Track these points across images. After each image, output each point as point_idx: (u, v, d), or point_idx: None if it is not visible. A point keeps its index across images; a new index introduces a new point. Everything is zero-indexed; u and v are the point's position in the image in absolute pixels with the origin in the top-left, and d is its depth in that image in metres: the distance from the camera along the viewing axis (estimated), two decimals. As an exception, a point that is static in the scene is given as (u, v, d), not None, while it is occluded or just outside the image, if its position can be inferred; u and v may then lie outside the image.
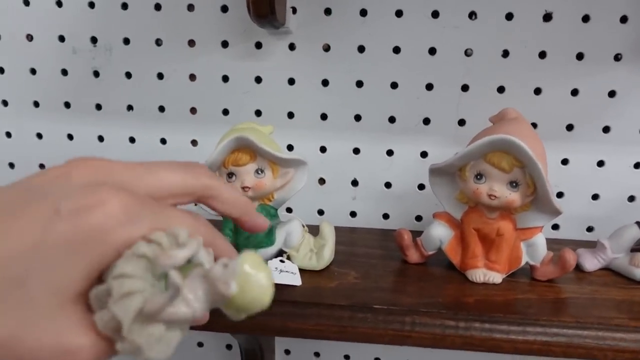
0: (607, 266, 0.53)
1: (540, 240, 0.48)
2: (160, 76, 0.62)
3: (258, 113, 0.62)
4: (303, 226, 0.51)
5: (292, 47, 0.60)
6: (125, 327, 0.22)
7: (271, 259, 0.49)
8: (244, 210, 0.31)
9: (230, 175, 0.48)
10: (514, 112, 0.49)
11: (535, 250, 0.48)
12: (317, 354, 0.71)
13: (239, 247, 0.47)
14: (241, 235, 0.49)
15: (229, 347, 0.72)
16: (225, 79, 0.61)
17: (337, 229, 0.57)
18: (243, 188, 0.47)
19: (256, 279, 0.23)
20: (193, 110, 0.63)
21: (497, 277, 0.48)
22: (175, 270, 0.23)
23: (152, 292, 0.23)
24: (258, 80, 0.61)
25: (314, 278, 0.48)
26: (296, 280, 0.47)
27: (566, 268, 0.47)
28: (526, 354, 0.42)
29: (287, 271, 0.48)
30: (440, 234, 0.50)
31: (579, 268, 0.52)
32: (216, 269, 0.23)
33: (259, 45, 0.60)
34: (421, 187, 0.63)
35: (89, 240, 0.22)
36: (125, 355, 0.24)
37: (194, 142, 0.64)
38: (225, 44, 0.60)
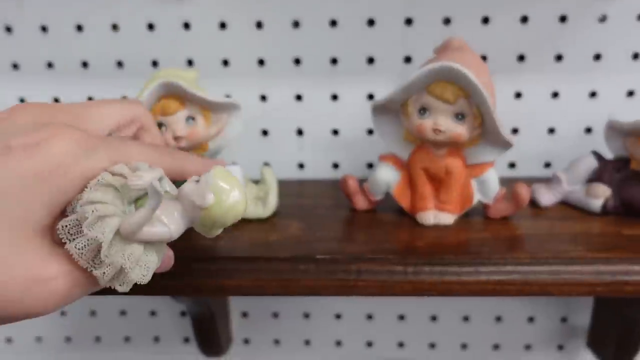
0: (563, 200, 0.50)
1: (491, 176, 0.45)
2: (79, 28, 0.56)
3: (190, 62, 0.57)
4: None
5: (220, -14, 0.54)
6: (105, 247, 0.22)
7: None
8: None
9: (159, 125, 0.43)
10: (458, 41, 0.45)
11: (487, 187, 0.45)
12: (275, 315, 0.68)
13: None
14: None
15: (183, 314, 0.68)
16: (151, 27, 0.56)
17: (285, 182, 0.54)
18: (175, 139, 0.43)
19: (229, 189, 0.24)
20: (120, 64, 0.58)
21: (448, 218, 0.46)
22: (155, 181, 0.23)
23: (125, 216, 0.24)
24: (186, 26, 0.56)
25: (253, 232, 0.45)
26: None
27: (520, 203, 0.45)
28: (481, 295, 0.40)
29: None
30: (386, 177, 0.47)
31: (534, 204, 0.50)
32: (187, 187, 0.24)
33: (183, -14, 0.55)
34: (370, 131, 0.59)
35: (48, 173, 0.22)
36: (105, 282, 0.24)
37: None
38: (147, -13, 0.55)
